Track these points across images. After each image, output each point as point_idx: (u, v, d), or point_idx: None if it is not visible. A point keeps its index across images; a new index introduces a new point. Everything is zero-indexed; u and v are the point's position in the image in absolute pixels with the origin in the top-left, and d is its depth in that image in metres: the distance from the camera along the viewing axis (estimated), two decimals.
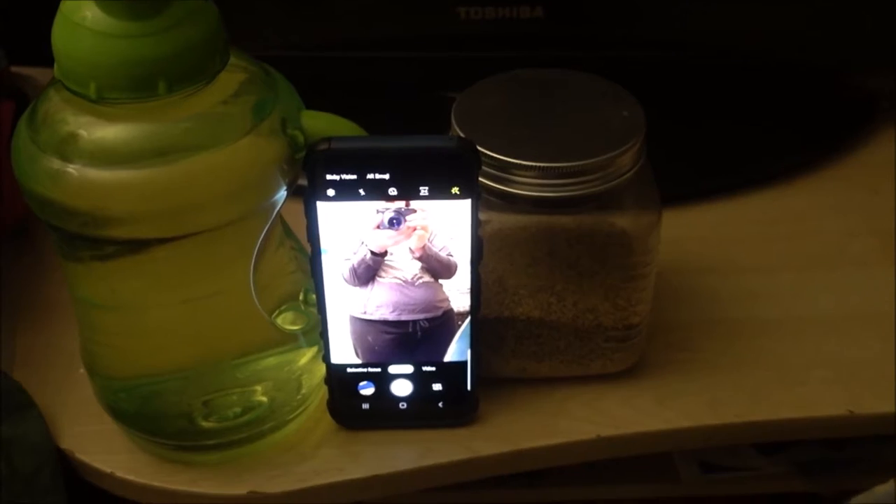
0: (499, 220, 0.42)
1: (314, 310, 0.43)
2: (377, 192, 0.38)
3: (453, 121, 0.43)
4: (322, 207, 0.39)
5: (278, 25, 0.60)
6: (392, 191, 0.38)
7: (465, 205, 0.39)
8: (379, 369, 0.44)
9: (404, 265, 0.41)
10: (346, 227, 0.39)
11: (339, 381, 0.44)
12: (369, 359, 0.44)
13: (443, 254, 0.40)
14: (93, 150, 0.36)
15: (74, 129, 0.36)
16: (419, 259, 0.40)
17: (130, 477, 0.44)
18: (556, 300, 0.45)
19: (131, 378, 0.43)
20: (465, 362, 0.44)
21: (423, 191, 0.38)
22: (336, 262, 0.40)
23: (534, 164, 0.41)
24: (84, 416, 0.46)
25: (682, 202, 0.59)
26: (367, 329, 0.42)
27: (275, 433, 0.45)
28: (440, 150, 0.38)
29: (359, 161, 0.38)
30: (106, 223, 0.36)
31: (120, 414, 0.44)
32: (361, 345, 0.43)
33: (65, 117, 0.36)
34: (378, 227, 0.39)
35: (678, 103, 0.63)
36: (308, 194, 0.39)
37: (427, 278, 0.41)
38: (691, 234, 0.57)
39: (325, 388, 0.45)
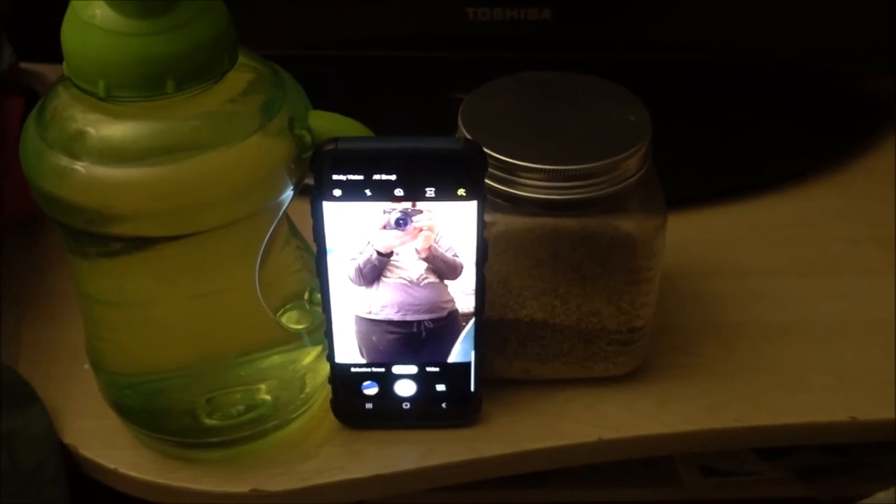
0: (504, 221, 0.43)
1: (319, 309, 0.43)
2: (383, 192, 0.38)
3: (460, 122, 0.43)
4: (328, 207, 0.39)
5: (287, 25, 0.60)
6: (398, 191, 0.38)
7: (472, 206, 0.39)
8: (383, 369, 0.44)
9: (410, 266, 0.41)
10: (353, 227, 0.39)
11: (343, 380, 0.44)
12: (373, 358, 0.44)
13: (449, 255, 0.40)
14: (101, 147, 0.36)
15: (83, 127, 0.36)
16: (425, 260, 0.41)
17: (133, 473, 0.44)
18: (559, 303, 0.45)
19: (136, 374, 0.43)
20: (469, 363, 0.44)
21: (430, 192, 0.38)
22: (342, 262, 0.41)
23: (540, 166, 0.41)
24: (88, 411, 0.46)
25: (687, 206, 0.59)
26: (371, 329, 0.43)
27: (278, 432, 0.45)
28: (447, 152, 0.38)
29: (365, 162, 0.38)
30: (113, 221, 0.36)
31: (124, 410, 0.44)
32: (366, 344, 0.43)
33: (73, 114, 0.36)
34: (384, 227, 0.39)
35: (685, 107, 0.63)
36: (314, 194, 0.39)
37: (432, 279, 0.41)
38: (695, 237, 0.57)
39: (328, 388, 0.45)
